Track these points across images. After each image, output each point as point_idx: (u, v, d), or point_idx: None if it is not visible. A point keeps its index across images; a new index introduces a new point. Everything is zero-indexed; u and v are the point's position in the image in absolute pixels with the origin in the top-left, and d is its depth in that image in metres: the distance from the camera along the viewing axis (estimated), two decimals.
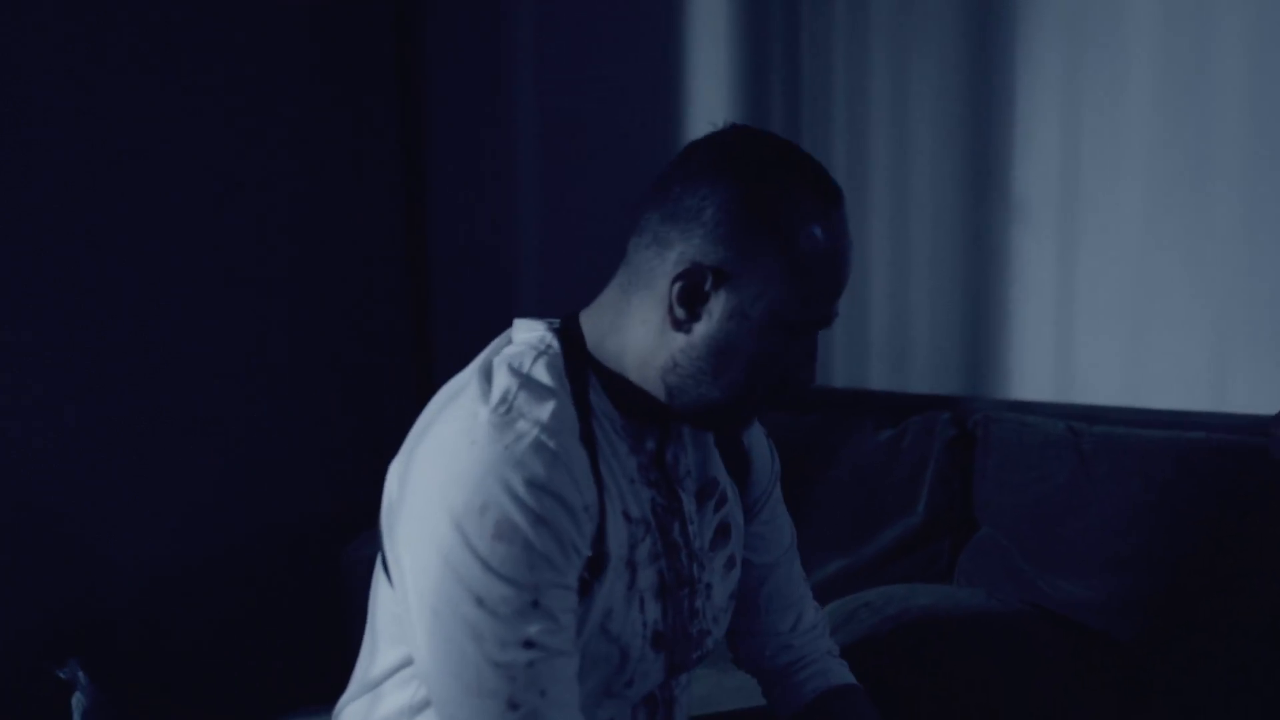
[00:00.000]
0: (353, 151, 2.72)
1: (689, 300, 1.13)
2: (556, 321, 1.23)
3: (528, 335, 1.21)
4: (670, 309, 1.14)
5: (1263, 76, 2.20)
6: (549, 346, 1.18)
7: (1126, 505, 2.09)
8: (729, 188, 1.12)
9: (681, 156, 1.18)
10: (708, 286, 1.13)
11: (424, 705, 1.20)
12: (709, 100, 2.64)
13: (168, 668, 2.31)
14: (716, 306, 1.13)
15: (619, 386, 1.19)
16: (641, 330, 1.17)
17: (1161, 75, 2.27)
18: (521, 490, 1.06)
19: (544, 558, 1.07)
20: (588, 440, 1.13)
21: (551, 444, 1.09)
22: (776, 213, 1.12)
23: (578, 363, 1.18)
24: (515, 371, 1.15)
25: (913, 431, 2.27)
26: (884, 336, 2.53)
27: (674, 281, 1.13)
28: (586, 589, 1.13)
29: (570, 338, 1.20)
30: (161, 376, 2.32)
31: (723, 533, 1.31)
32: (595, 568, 1.13)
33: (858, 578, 2.15)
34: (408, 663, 1.21)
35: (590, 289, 2.70)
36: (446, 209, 2.87)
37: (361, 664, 1.30)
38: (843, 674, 1.43)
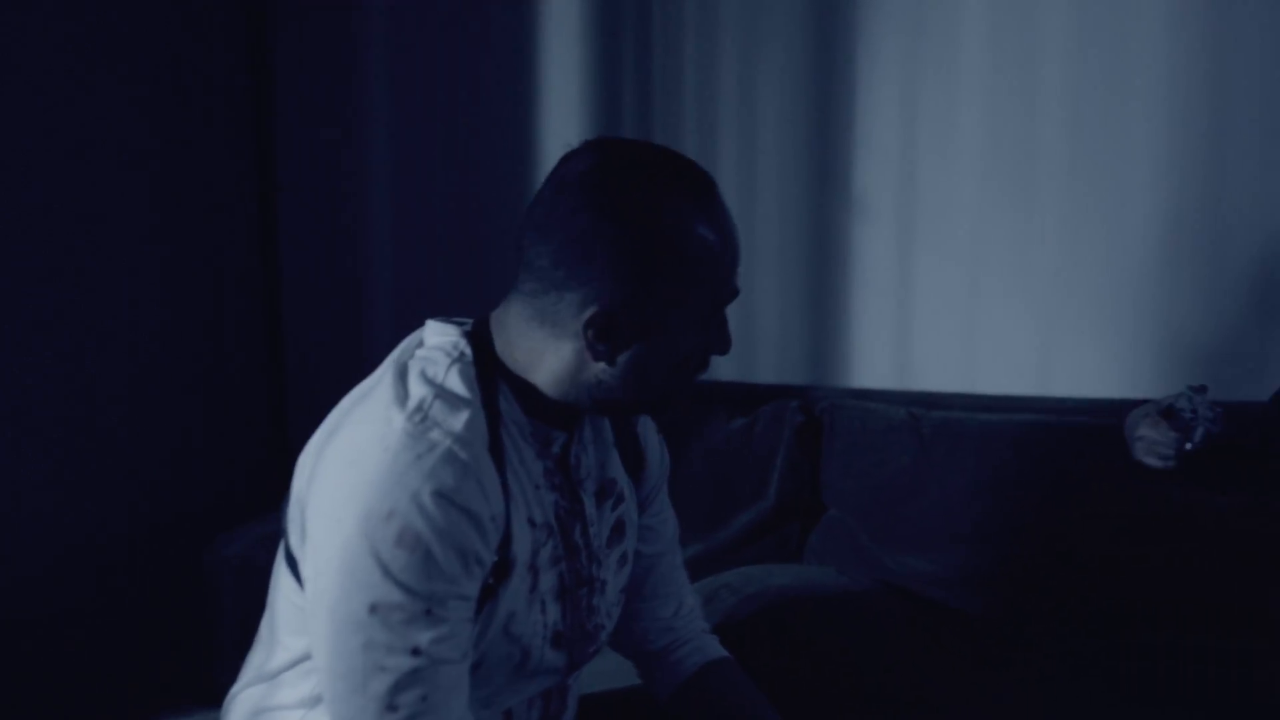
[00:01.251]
0: (203, 154, 2.66)
1: (605, 339, 1.15)
2: (468, 324, 1.23)
3: (441, 340, 1.21)
4: (588, 347, 1.15)
5: (1083, 82, 2.36)
6: (462, 354, 1.18)
7: (964, 484, 2.21)
8: (612, 223, 1.12)
9: (553, 189, 1.17)
10: (620, 323, 1.14)
11: (315, 701, 1.21)
12: (561, 100, 2.67)
13: (23, 669, 2.25)
14: (633, 335, 1.15)
15: (528, 393, 1.20)
16: (556, 361, 1.18)
17: (991, 80, 2.41)
18: (429, 501, 1.07)
19: (443, 569, 1.08)
20: (496, 451, 1.14)
21: (463, 455, 1.10)
22: (663, 232, 1.13)
23: (488, 370, 1.19)
24: (430, 381, 1.15)
25: (763, 420, 2.35)
26: (733, 330, 2.59)
27: (585, 327, 1.14)
28: (491, 594, 1.15)
29: (482, 344, 1.20)
30: (15, 376, 2.24)
31: (618, 530, 1.34)
32: (500, 574, 1.15)
33: (714, 561, 2.21)
34: (308, 656, 1.21)
35: (441, 293, 2.74)
36: (297, 212, 2.83)
37: (258, 654, 1.30)
38: (717, 648, 1.48)
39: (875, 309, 2.53)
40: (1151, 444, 1.70)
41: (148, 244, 2.54)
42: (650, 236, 1.13)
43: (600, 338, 1.14)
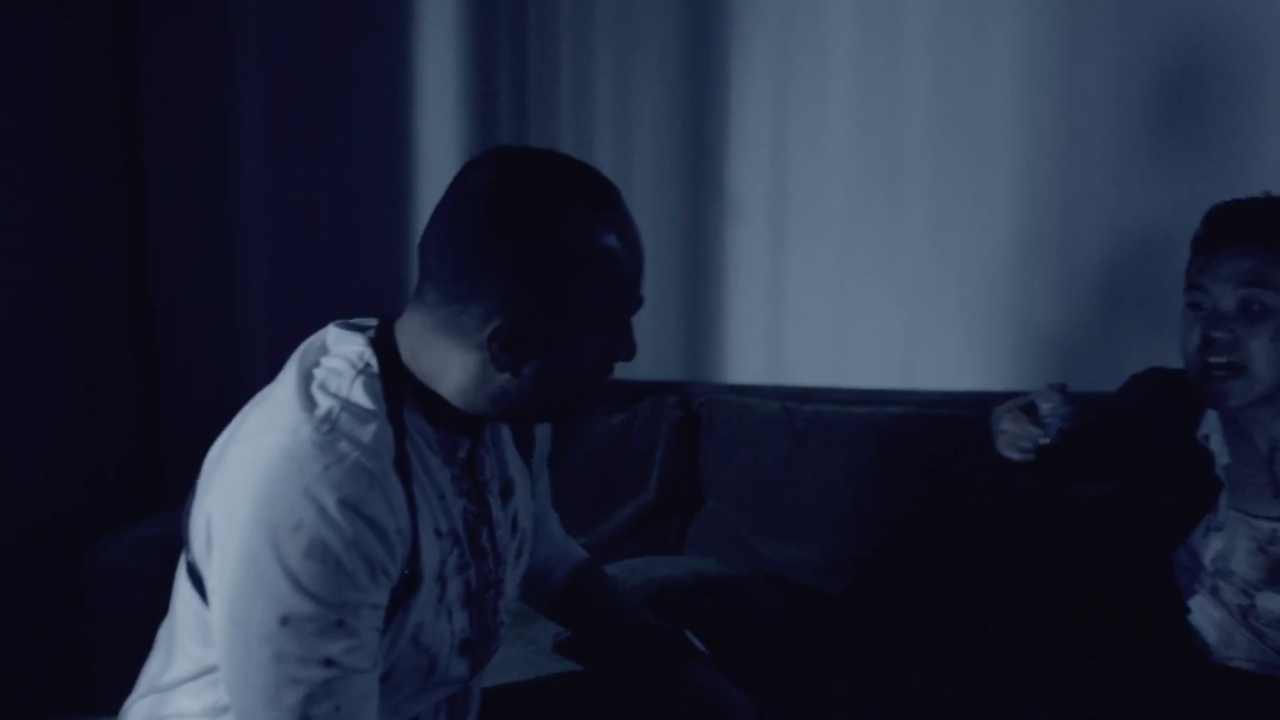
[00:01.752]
0: (69, 154, 2.59)
1: (509, 351, 1.15)
2: (372, 330, 1.22)
3: (346, 349, 1.19)
4: (492, 359, 1.16)
5: (946, 88, 2.46)
6: (367, 364, 1.17)
7: (837, 475, 2.29)
8: (514, 235, 1.13)
9: (455, 199, 1.17)
10: (524, 335, 1.15)
11: (220, 711, 1.20)
12: (437, 100, 2.67)
13: None
14: (538, 347, 1.16)
15: (434, 403, 1.20)
16: (461, 373, 1.18)
17: (859, 82, 2.49)
18: (336, 512, 1.07)
19: (352, 579, 1.08)
20: (402, 464, 1.14)
21: (370, 466, 1.10)
22: (566, 243, 1.14)
23: (394, 382, 1.18)
24: (335, 394, 1.14)
25: (642, 416, 2.40)
26: None
27: (489, 340, 1.15)
28: (401, 606, 1.15)
29: (387, 353, 1.20)
30: None
31: (514, 525, 1.35)
32: (409, 587, 1.16)
33: (597, 555, 2.18)
34: (208, 669, 1.20)
35: (315, 293, 2.71)
36: (168, 212, 2.77)
37: (156, 664, 1.28)
38: (578, 552, 1.61)
39: (749, 306, 2.60)
40: (1012, 438, 1.76)
41: (13, 245, 2.47)
42: (554, 248, 1.14)
43: (504, 350, 1.15)
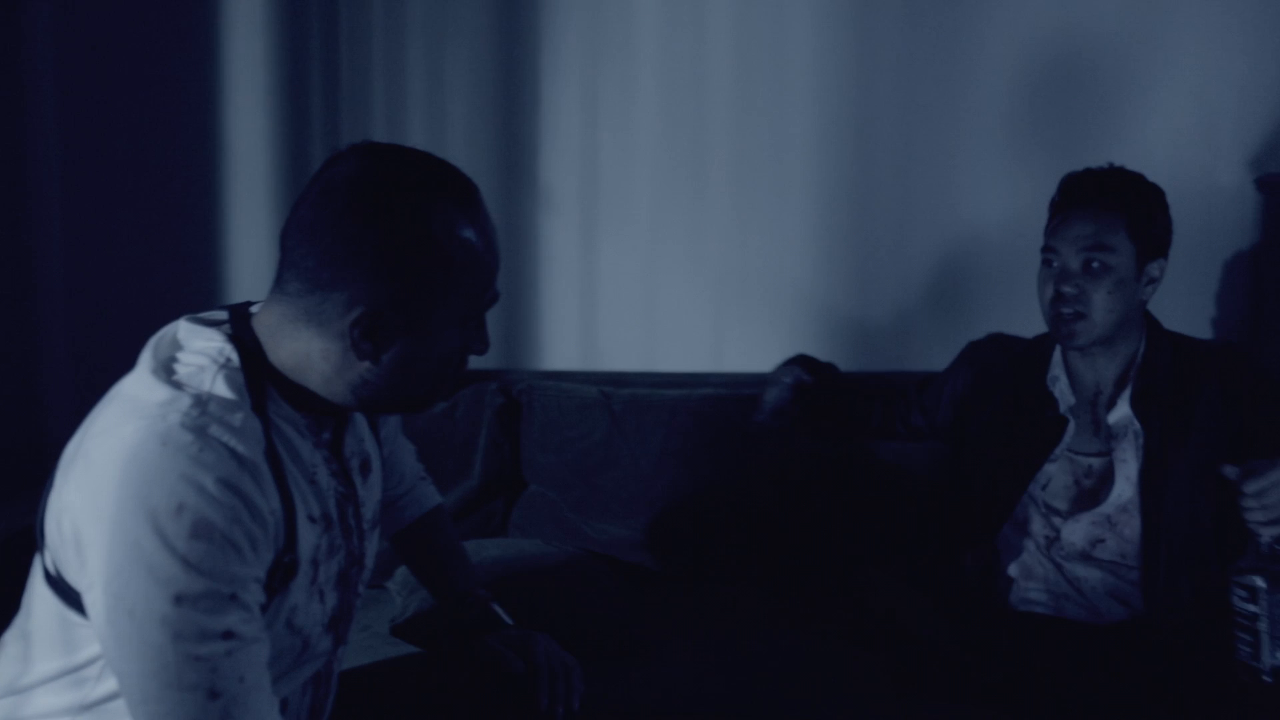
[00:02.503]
0: None
1: (370, 338, 1.19)
2: (228, 325, 1.23)
3: (203, 344, 1.20)
4: (353, 346, 1.19)
5: (748, 83, 2.60)
6: (228, 360, 1.19)
7: (653, 455, 2.40)
8: (378, 226, 1.15)
9: (320, 192, 1.18)
10: (385, 323, 1.18)
11: (84, 709, 1.19)
12: (246, 96, 2.65)
13: None
14: (399, 334, 1.20)
15: (298, 392, 1.23)
16: (323, 362, 1.21)
17: (666, 79, 2.61)
18: (215, 490, 1.09)
19: (239, 553, 1.10)
20: (272, 455, 1.17)
21: (242, 451, 1.12)
22: (429, 235, 1.17)
23: (256, 374, 1.20)
24: (197, 388, 1.15)
25: (464, 403, 2.45)
26: None
27: (352, 327, 1.18)
28: (278, 591, 1.17)
29: (247, 347, 1.21)
30: None
31: (372, 499, 1.39)
32: (287, 573, 1.18)
33: None
34: (71, 669, 1.19)
35: (119, 289, 2.64)
36: None
37: (9, 669, 1.25)
38: (432, 497, 1.73)
39: (563, 295, 2.68)
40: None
41: None
42: (416, 240, 1.17)
43: (366, 337, 1.18)
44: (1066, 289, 1.91)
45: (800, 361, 2.28)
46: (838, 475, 2.37)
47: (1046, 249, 1.96)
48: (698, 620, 2.13)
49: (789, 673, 1.92)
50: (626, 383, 2.54)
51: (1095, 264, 1.90)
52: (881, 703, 1.84)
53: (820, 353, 2.50)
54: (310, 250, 1.17)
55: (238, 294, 2.64)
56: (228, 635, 1.10)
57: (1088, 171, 1.97)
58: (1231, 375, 1.94)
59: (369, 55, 2.62)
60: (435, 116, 2.64)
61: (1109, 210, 1.91)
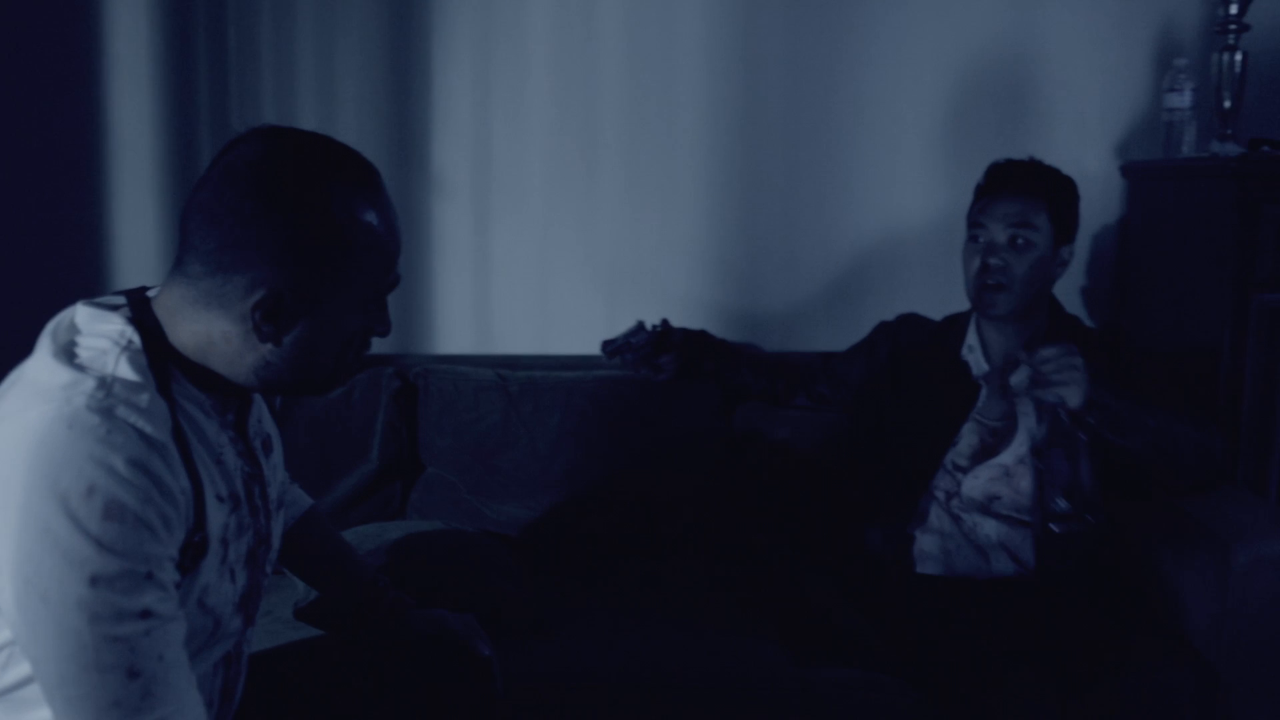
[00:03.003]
0: None
1: (272, 320, 1.20)
2: (126, 308, 1.22)
3: (103, 327, 1.20)
4: (255, 328, 1.20)
5: (639, 74, 2.65)
6: (130, 341, 1.18)
7: (550, 436, 2.44)
8: (281, 209, 1.16)
9: (221, 175, 1.19)
10: (287, 306, 1.19)
11: None
12: (131, 81, 2.59)
13: None
14: (300, 316, 1.21)
15: (201, 374, 1.23)
16: (224, 344, 1.21)
17: (557, 66, 2.64)
18: (125, 470, 1.09)
19: (152, 533, 1.10)
20: (179, 435, 1.17)
21: (149, 431, 1.12)
22: (331, 218, 1.18)
23: (159, 356, 1.20)
24: (101, 370, 1.15)
25: (361, 387, 2.44)
26: None
27: (254, 309, 1.18)
28: (189, 571, 1.18)
29: (148, 330, 1.21)
30: None
31: (274, 478, 1.40)
32: (198, 552, 1.18)
33: None
34: None
35: (1, 275, 2.57)
36: None
37: None
38: (304, 499, 1.70)
39: (457, 280, 2.69)
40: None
41: None
42: (317, 223, 1.18)
43: (267, 319, 1.19)
44: (993, 261, 2.11)
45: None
46: (737, 453, 2.44)
47: (974, 225, 2.16)
48: (597, 597, 2.17)
49: (688, 644, 1.97)
50: (521, 365, 2.57)
51: (1020, 240, 2.11)
52: (779, 670, 1.90)
53: (712, 333, 2.57)
54: (211, 233, 1.18)
55: (125, 279, 2.60)
56: (145, 614, 1.10)
57: (1012, 160, 2.20)
58: (1117, 354, 2.15)
59: (257, 38, 2.59)
60: (325, 101, 2.63)
61: (1034, 194, 2.13)
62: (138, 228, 2.64)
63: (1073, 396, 1.90)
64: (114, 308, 1.23)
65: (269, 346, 1.22)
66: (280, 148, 1.21)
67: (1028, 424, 2.11)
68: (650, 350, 2.39)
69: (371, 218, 1.22)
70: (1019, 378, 1.92)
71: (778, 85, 2.66)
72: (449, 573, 2.02)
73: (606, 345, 2.39)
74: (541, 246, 2.70)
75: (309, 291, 1.20)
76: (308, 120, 2.61)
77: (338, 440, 2.40)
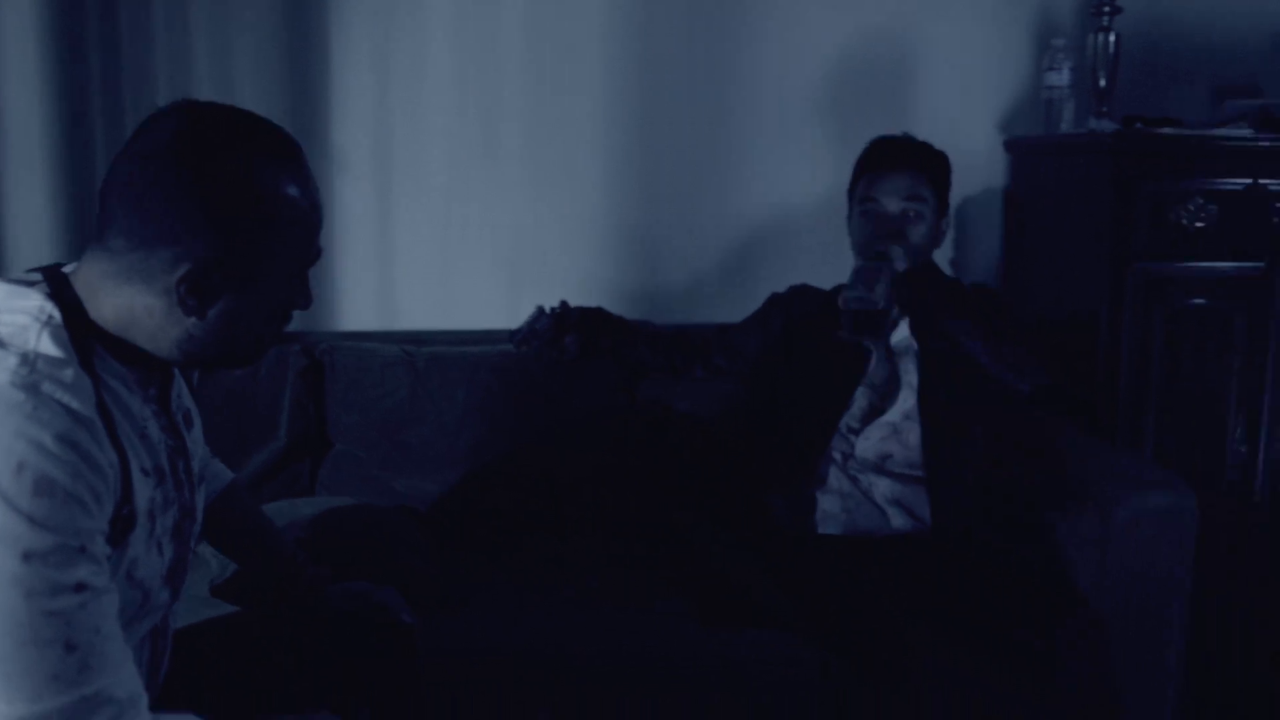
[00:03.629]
0: None
1: (196, 294, 1.20)
2: (44, 284, 1.22)
3: (22, 304, 1.19)
4: (179, 302, 1.20)
5: (537, 56, 2.68)
6: (50, 317, 1.18)
7: (457, 410, 2.47)
8: (205, 182, 1.16)
9: (141, 148, 1.19)
10: (211, 279, 1.20)
11: None
12: (18, 59, 2.48)
13: None
14: (224, 290, 1.21)
15: (123, 348, 1.23)
16: (147, 318, 1.21)
17: (458, 43, 2.65)
18: (54, 446, 1.09)
19: (84, 507, 1.11)
20: (103, 410, 1.17)
21: (75, 406, 1.12)
22: (253, 191, 1.19)
23: (81, 331, 1.20)
24: (23, 346, 1.14)
25: (268, 365, 2.45)
26: None
27: (179, 283, 1.19)
28: (118, 544, 1.18)
29: (68, 305, 1.20)
30: None
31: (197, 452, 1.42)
32: (126, 525, 1.19)
33: None
34: None
35: None
36: None
37: None
38: (224, 472, 1.69)
39: (360, 257, 2.70)
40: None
41: None
42: (241, 196, 1.19)
43: (192, 293, 1.20)
44: (889, 230, 2.20)
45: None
46: (642, 424, 2.49)
47: (866, 200, 2.25)
48: (508, 569, 2.20)
49: (598, 613, 2.01)
50: (426, 341, 2.59)
51: (912, 212, 2.22)
52: (690, 633, 1.96)
53: (611, 309, 2.62)
54: (134, 208, 1.18)
55: (17, 259, 2.54)
56: (80, 588, 1.11)
57: (894, 137, 2.31)
58: (987, 310, 2.23)
59: (150, 13, 2.55)
60: (221, 78, 2.60)
61: (920, 169, 2.25)
62: (29, 207, 2.58)
63: (898, 256, 2.10)
64: (31, 284, 1.22)
65: (193, 320, 1.22)
66: (203, 122, 1.22)
67: (910, 380, 2.20)
68: (553, 333, 2.42)
69: (294, 191, 1.24)
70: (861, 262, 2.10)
71: (673, 68, 2.71)
72: (360, 548, 2.03)
73: (514, 336, 2.40)
74: (444, 224, 2.71)
75: (234, 265, 1.20)
76: (202, 95, 2.54)
77: (246, 418, 2.40)
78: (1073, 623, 2.00)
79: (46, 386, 1.12)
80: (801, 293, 2.45)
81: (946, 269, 2.79)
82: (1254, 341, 2.48)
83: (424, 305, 2.73)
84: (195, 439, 1.42)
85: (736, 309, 2.61)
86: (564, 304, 2.46)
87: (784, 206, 2.78)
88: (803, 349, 2.36)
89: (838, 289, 2.37)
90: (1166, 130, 2.48)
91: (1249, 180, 2.42)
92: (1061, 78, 2.64)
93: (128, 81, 2.56)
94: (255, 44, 2.60)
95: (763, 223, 2.79)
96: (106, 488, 1.15)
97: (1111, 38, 2.57)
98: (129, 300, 1.21)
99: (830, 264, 2.56)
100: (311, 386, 2.47)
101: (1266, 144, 2.43)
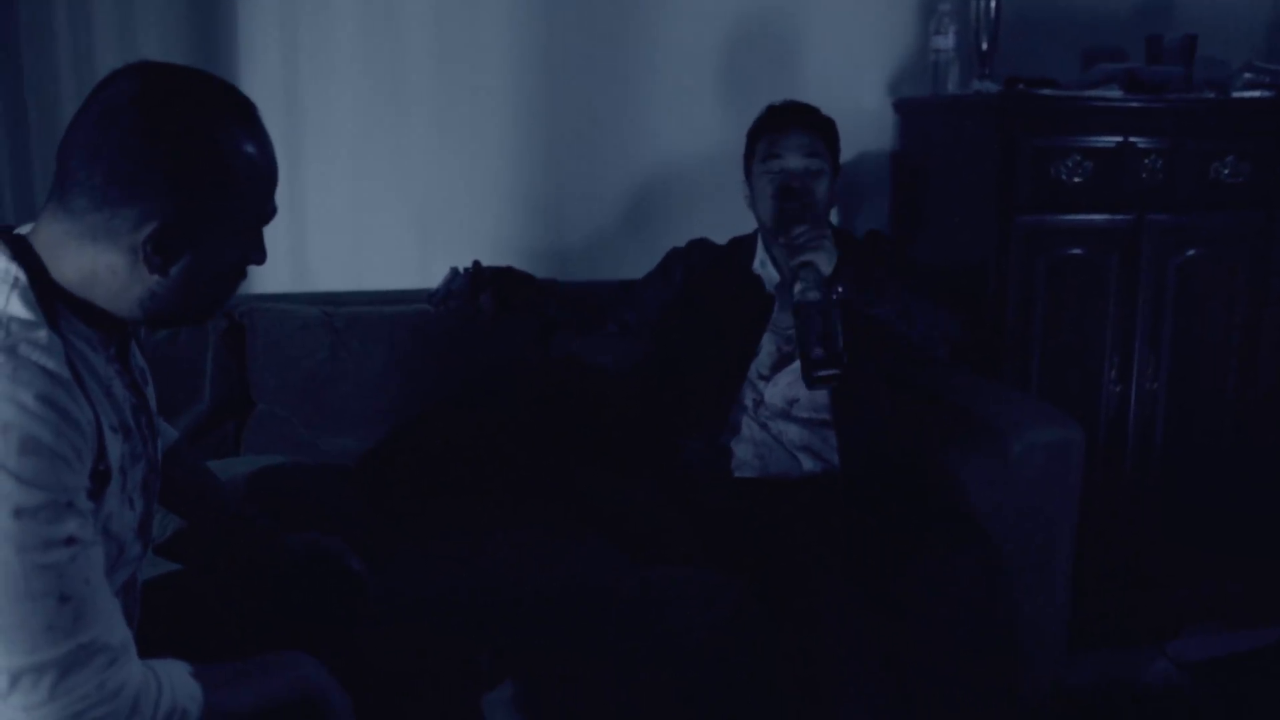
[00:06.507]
0: None
1: (160, 251, 1.23)
2: (4, 246, 1.24)
3: None
4: (145, 260, 1.23)
5: (443, 19, 2.71)
6: (15, 278, 1.21)
7: (376, 369, 2.52)
8: (166, 141, 1.20)
9: (101, 110, 1.21)
10: (174, 237, 1.22)
11: None
12: None
13: None
14: (186, 248, 1.25)
15: (85, 308, 1.26)
16: (110, 277, 1.24)
17: (363, 13, 2.68)
18: (35, 406, 1.12)
19: (68, 464, 1.15)
20: (71, 370, 1.20)
21: (52, 367, 1.16)
22: (215, 150, 1.23)
23: (45, 291, 1.22)
24: None
25: (187, 329, 2.44)
26: None
27: (144, 242, 1.22)
28: (95, 498, 1.22)
29: (31, 266, 1.23)
30: None
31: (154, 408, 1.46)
32: (102, 481, 1.23)
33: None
34: None
35: None
36: None
37: None
38: (170, 430, 1.70)
39: (274, 220, 2.69)
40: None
41: None
42: (203, 155, 1.23)
43: (157, 251, 1.23)
44: (796, 184, 2.28)
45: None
46: (555, 380, 2.57)
47: (769, 157, 2.32)
48: (433, 525, 2.25)
49: (523, 563, 2.08)
50: (343, 302, 2.63)
51: (814, 168, 2.30)
52: (618, 564, 2.06)
53: (520, 267, 2.68)
54: (96, 168, 1.21)
55: None
56: (70, 541, 1.15)
57: (788, 101, 2.40)
58: (879, 249, 2.43)
59: None
60: (125, 38, 2.56)
61: (813, 129, 2.33)
62: None
63: (823, 262, 2.11)
64: None
65: (155, 278, 1.25)
66: (161, 83, 1.25)
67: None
68: (469, 292, 2.45)
69: (252, 149, 1.29)
70: (799, 288, 2.07)
71: (575, 30, 2.79)
72: (296, 505, 2.08)
73: (432, 298, 2.37)
74: (354, 186, 2.74)
75: (197, 223, 1.24)
76: (107, 56, 2.53)
77: (168, 382, 2.35)
78: (971, 553, 2.10)
79: (23, 349, 1.15)
80: (699, 246, 2.53)
81: (853, 228, 2.94)
82: (1125, 288, 2.67)
83: (338, 267, 2.76)
84: (152, 395, 1.46)
85: (639, 265, 2.70)
86: (477, 264, 2.49)
87: (682, 166, 2.88)
88: (707, 300, 2.44)
89: (735, 241, 2.49)
90: (1047, 91, 2.64)
91: (1120, 138, 2.61)
92: (947, 41, 2.78)
93: (25, 42, 2.51)
94: (160, 5, 2.57)
95: (662, 179, 2.89)
96: (85, 444, 1.19)
97: (993, 2, 2.72)
98: (91, 260, 1.24)
99: (727, 218, 2.66)
100: (233, 348, 2.49)
101: (1136, 105, 2.61)
